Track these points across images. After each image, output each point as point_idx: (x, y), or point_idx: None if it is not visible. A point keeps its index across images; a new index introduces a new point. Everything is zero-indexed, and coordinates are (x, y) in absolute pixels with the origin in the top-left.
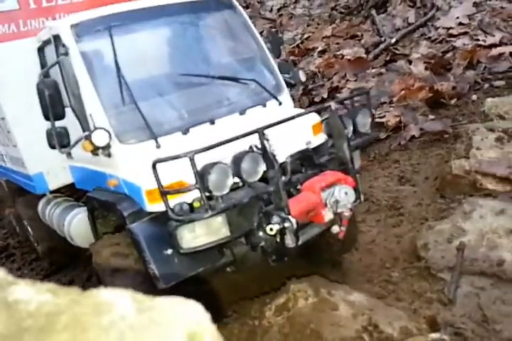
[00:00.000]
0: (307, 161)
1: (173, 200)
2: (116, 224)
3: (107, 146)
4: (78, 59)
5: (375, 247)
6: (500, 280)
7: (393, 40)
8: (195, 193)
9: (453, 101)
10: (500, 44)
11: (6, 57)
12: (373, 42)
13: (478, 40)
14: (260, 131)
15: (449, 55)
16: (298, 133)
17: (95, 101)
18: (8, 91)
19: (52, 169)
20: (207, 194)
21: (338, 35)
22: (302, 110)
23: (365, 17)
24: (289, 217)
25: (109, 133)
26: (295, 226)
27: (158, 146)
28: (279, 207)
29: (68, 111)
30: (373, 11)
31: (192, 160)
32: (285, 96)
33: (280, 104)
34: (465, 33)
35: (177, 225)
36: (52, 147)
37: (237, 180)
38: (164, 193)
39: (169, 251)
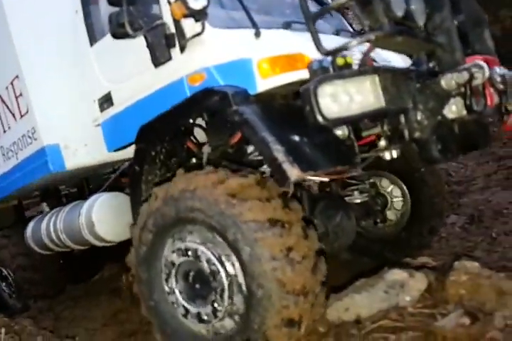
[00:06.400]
0: None
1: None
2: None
3: (200, 13)
4: None
5: None
6: None
7: None
8: None
9: None
10: None
11: None
12: None
13: None
14: None
15: None
16: None
17: None
18: (25, 40)
19: (71, 143)
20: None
21: None
22: None
23: None
24: (478, 61)
25: None
26: (487, 71)
27: (257, 34)
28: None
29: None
30: None
31: None
32: None
33: None
34: None
35: (317, 83)
36: (118, 33)
37: None
38: None
39: (296, 138)
